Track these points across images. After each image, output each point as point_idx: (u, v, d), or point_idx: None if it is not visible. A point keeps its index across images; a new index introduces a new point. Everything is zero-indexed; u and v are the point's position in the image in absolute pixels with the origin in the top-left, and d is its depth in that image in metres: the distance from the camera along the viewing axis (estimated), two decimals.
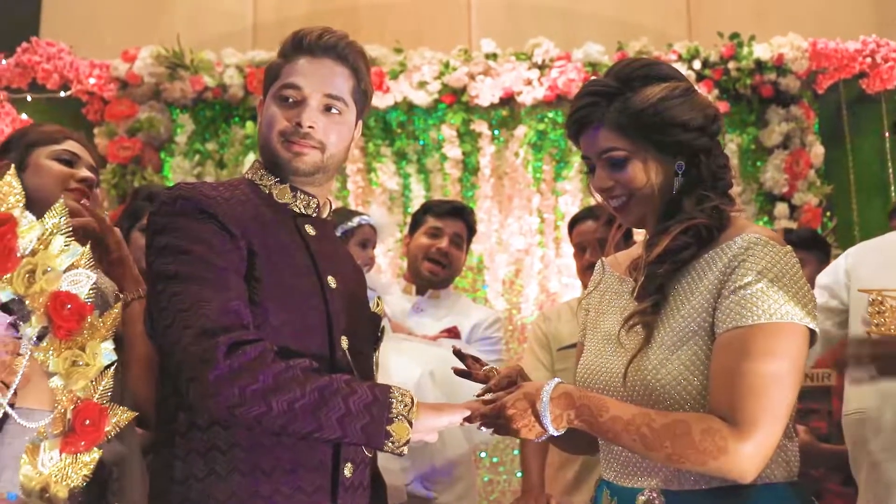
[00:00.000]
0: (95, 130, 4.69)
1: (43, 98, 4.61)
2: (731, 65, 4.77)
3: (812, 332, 1.50)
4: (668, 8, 5.22)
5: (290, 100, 1.70)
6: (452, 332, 3.21)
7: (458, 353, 1.82)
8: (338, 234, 3.08)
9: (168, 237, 1.55)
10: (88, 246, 1.29)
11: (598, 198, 1.71)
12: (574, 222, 3.35)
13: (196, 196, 1.58)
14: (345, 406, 1.44)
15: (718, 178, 1.64)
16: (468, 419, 1.54)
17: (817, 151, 4.75)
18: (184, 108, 4.79)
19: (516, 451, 4.38)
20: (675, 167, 1.62)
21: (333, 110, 1.72)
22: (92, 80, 4.66)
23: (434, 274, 3.30)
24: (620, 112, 1.61)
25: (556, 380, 1.54)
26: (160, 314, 1.49)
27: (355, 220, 3.28)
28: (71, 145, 2.10)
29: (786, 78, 4.75)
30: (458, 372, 1.78)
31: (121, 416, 1.25)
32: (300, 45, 1.72)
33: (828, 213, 4.76)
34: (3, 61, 4.66)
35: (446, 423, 1.54)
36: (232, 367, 1.41)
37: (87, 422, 1.18)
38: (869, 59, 4.76)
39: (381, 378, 1.86)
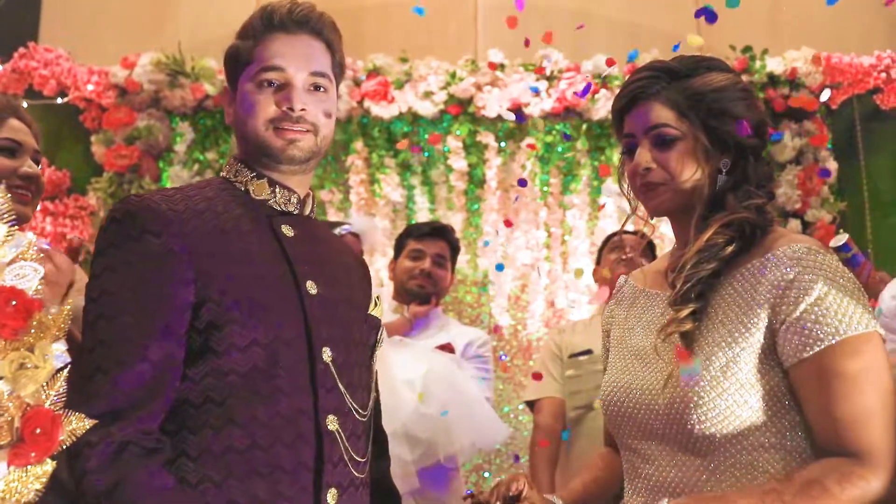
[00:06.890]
0: (93, 138, 4.60)
1: (39, 105, 4.49)
2: (743, 78, 4.66)
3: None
4: (679, 20, 5.11)
5: (274, 83, 1.56)
6: (447, 349, 3.23)
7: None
8: None
9: (104, 262, 1.41)
10: (34, 237, 1.17)
11: (626, 186, 1.64)
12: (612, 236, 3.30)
13: (143, 213, 1.43)
14: None
15: (762, 184, 1.57)
16: None
17: (830, 167, 4.65)
18: (184, 117, 4.68)
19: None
20: (721, 164, 1.55)
21: (321, 89, 1.60)
22: (90, 87, 4.57)
23: (422, 287, 3.34)
24: (680, 91, 1.55)
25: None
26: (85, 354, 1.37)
27: (336, 231, 3.28)
28: (13, 129, 1.81)
29: (799, 92, 4.65)
30: None
31: (76, 424, 1.13)
32: (271, 22, 1.57)
33: (840, 230, 4.65)
34: (0, 67, 4.58)
35: None
36: (107, 479, 1.27)
37: (38, 430, 1.06)
38: (884, 75, 4.67)
39: (383, 376, 1.76)
